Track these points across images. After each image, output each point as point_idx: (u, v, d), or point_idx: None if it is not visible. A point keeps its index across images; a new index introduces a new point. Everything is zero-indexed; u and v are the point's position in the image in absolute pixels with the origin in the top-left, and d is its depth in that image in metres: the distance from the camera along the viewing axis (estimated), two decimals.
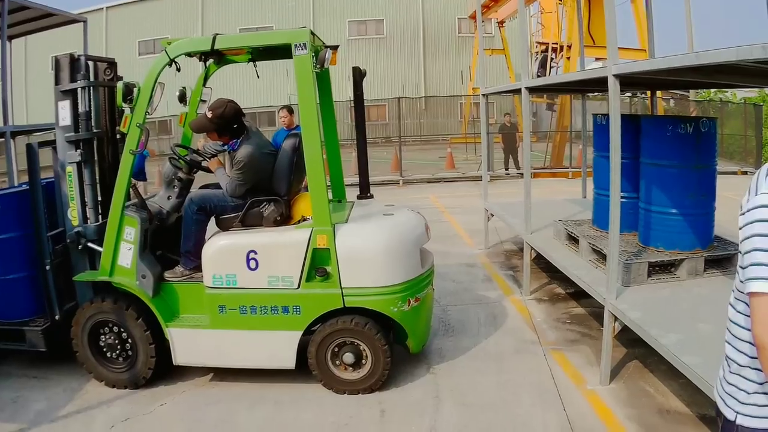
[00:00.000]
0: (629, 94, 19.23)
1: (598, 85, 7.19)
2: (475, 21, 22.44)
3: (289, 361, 5.34)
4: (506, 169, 19.55)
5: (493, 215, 9.53)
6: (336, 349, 5.36)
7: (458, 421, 4.81)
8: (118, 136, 5.90)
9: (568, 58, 19.01)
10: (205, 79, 6.29)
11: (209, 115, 5.42)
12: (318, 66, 5.15)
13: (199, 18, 39.34)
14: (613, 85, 4.86)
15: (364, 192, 6.38)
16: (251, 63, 6.14)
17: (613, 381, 5.25)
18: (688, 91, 24.45)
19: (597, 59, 18.64)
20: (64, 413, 5.20)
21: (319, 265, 5.20)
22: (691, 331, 4.49)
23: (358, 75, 6.16)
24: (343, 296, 5.16)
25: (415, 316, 5.39)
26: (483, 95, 9.97)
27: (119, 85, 5.22)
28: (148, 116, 5.37)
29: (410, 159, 19.44)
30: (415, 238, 5.50)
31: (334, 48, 5.54)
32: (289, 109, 9.66)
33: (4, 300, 5.89)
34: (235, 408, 5.18)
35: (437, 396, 5.22)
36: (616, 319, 5.00)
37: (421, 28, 39.01)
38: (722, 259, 5.84)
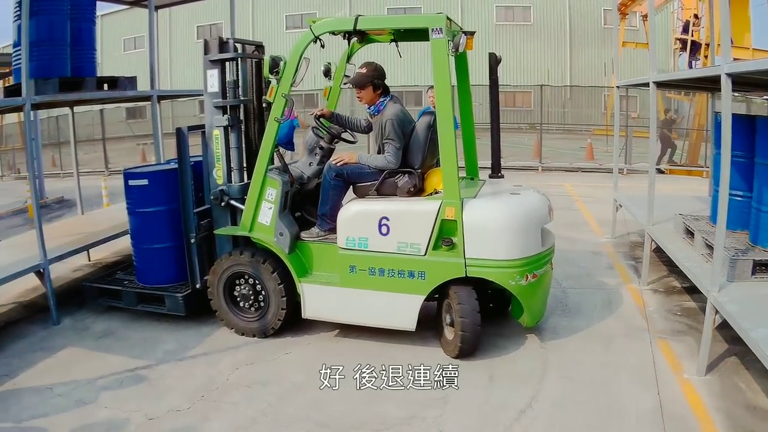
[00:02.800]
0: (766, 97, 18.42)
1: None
2: (621, 13, 22.19)
3: (410, 323, 5.77)
4: (657, 164, 19.21)
5: (621, 206, 9.71)
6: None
7: (558, 394, 5.20)
8: (264, 105, 6.39)
9: (706, 56, 18.45)
10: (349, 56, 6.74)
11: (364, 71, 5.92)
12: (453, 50, 5.45)
13: None
14: (725, 83, 5.01)
15: (495, 172, 6.60)
16: (393, 43, 6.49)
17: (709, 373, 5.47)
18: None
19: (735, 60, 18.01)
20: (192, 354, 5.90)
21: (445, 235, 5.56)
22: None
23: (494, 60, 6.34)
24: (465, 266, 5.52)
25: (532, 291, 5.70)
26: (617, 87, 10.19)
27: (266, 58, 5.79)
28: (293, 88, 5.84)
29: (551, 147, 19.52)
30: (538, 218, 5.78)
31: (470, 34, 5.92)
32: None
33: (150, 266, 6.75)
34: (353, 360, 5.59)
35: (544, 369, 5.61)
36: (716, 311, 5.22)
37: (567, 18, 38.44)
38: None
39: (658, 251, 8.49)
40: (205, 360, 5.81)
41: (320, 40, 5.78)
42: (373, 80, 5.92)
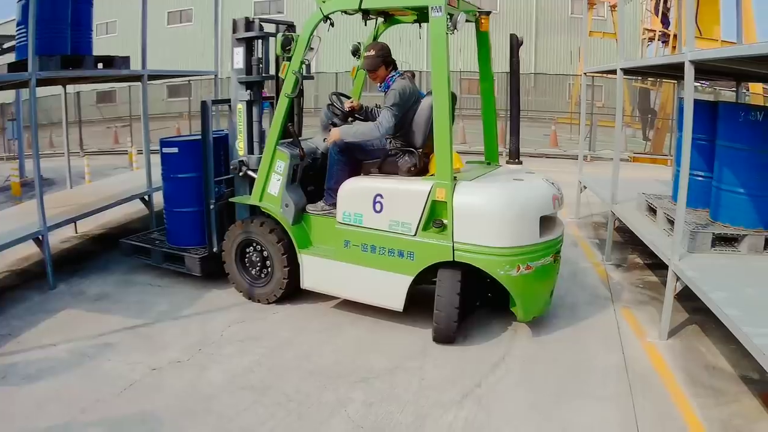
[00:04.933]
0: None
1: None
2: (589, 3, 22.64)
3: (397, 303, 5.73)
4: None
5: (585, 187, 10.14)
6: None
7: (529, 352, 5.60)
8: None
9: (674, 47, 19.04)
10: (375, 37, 6.75)
11: (372, 52, 5.92)
12: (452, 28, 5.30)
13: None
14: (689, 70, 5.41)
15: (513, 157, 6.60)
16: (417, 24, 6.58)
17: (671, 338, 5.90)
18: None
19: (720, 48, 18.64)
20: (185, 314, 6.19)
21: (437, 216, 5.48)
22: (739, 292, 5.08)
23: (515, 42, 6.34)
24: (453, 250, 5.41)
25: (525, 284, 5.49)
26: (584, 74, 10.61)
27: (278, 36, 5.99)
28: (305, 64, 6.02)
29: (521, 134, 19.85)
30: (537, 206, 5.54)
31: (486, 13, 6.10)
32: None
33: (178, 229, 7.16)
34: (340, 321, 6.01)
35: (514, 331, 5.98)
36: (677, 279, 5.64)
37: (534, 7, 38.79)
38: None
39: (621, 231, 9.01)
40: (198, 319, 6.10)
41: (330, 19, 5.86)
42: (384, 59, 5.94)
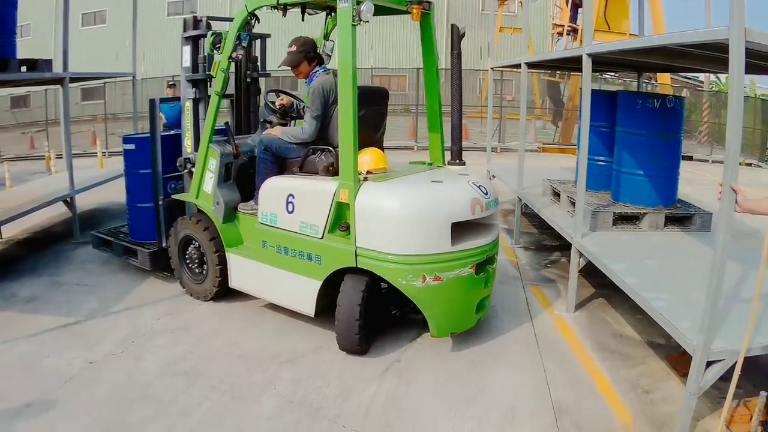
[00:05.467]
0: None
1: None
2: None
3: (308, 308, 5.52)
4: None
5: (494, 176, 10.56)
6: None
7: None
8: (248, 81, 6.60)
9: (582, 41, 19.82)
10: (326, 35, 6.56)
11: (294, 48, 5.74)
12: (356, 18, 4.95)
13: None
14: (586, 63, 5.82)
15: (455, 158, 6.09)
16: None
17: (578, 310, 6.32)
18: (702, 82, 25.36)
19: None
20: (115, 310, 6.23)
21: (342, 219, 5.24)
22: (638, 263, 5.51)
23: (456, 34, 5.88)
24: (356, 255, 5.11)
25: (433, 296, 5.06)
26: (492, 69, 11.03)
27: (208, 34, 6.01)
28: (231, 62, 5.93)
29: (427, 128, 20.23)
30: (447, 213, 5.06)
31: (418, 3, 5.74)
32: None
33: (137, 224, 7.23)
34: (262, 310, 6.17)
35: None
36: (580, 255, 6.03)
37: (446, 3, 39.46)
38: (683, 217, 6.73)
39: (529, 217, 9.47)
40: (128, 314, 6.16)
41: (255, 15, 5.81)
42: (306, 54, 5.75)
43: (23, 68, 7.69)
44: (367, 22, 5.06)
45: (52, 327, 5.78)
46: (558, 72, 22.32)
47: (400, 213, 4.98)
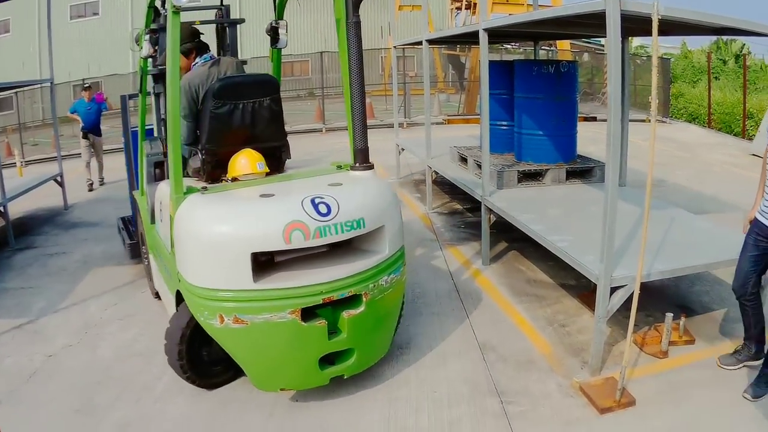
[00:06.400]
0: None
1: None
2: None
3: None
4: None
5: (403, 149, 11.07)
6: None
7: None
8: None
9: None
10: (280, 15, 5.75)
11: None
12: (176, 5, 4.02)
13: None
14: (483, 37, 6.28)
15: (360, 160, 4.77)
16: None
17: (494, 263, 6.86)
18: (603, 46, 26.47)
19: (510, 15, 20.26)
20: (63, 306, 6.40)
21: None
22: (543, 213, 6.06)
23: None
24: (178, 278, 4.30)
25: (236, 341, 4.09)
26: (394, 47, 11.47)
27: (130, 31, 6.03)
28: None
29: (333, 110, 20.50)
30: (247, 240, 3.94)
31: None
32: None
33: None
34: None
35: None
36: (490, 211, 6.55)
37: None
38: (583, 171, 7.35)
39: (440, 185, 9.98)
40: (76, 309, 6.33)
41: (156, 9, 5.43)
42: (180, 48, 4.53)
43: None
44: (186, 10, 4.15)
45: (7, 329, 5.92)
46: (458, 46, 22.97)
47: (193, 236, 4.08)
